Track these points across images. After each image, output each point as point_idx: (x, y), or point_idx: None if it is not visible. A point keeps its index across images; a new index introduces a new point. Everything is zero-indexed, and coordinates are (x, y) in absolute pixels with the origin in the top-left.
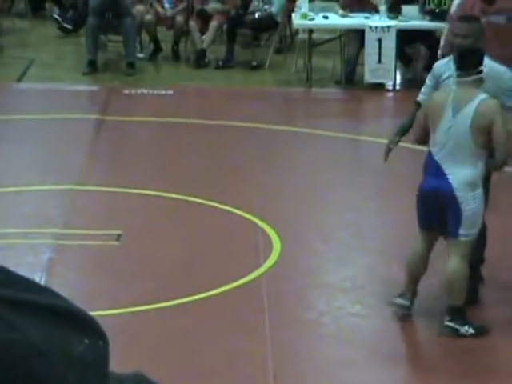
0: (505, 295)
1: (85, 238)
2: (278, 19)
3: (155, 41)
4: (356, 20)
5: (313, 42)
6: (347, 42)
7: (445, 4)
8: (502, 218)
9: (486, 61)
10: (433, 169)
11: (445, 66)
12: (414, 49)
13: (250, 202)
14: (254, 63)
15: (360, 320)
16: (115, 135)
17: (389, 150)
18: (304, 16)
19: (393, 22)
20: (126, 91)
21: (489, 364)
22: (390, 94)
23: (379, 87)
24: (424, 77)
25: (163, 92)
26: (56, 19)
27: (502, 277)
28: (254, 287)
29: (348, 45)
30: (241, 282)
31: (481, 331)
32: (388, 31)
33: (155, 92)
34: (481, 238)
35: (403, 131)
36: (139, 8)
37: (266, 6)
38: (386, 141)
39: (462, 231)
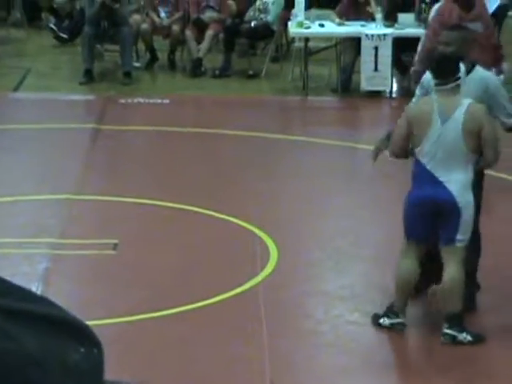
0: (500, 302)
1: (81, 247)
2: (274, 28)
3: (151, 50)
4: (352, 28)
5: (309, 51)
6: (343, 50)
7: None
8: (497, 225)
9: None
10: (426, 178)
11: None
12: (411, 57)
13: (246, 210)
14: (251, 72)
15: (358, 328)
16: (111, 144)
17: (378, 153)
18: (300, 24)
19: (389, 30)
20: (123, 100)
21: (485, 372)
22: (387, 102)
23: (375, 95)
24: None
25: (159, 101)
26: (52, 29)
27: (498, 284)
28: (251, 295)
29: (344, 53)
30: (238, 290)
31: (478, 339)
32: (384, 39)
33: (151, 101)
34: (476, 246)
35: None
36: (135, 17)
37: (262, 15)
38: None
39: (459, 237)
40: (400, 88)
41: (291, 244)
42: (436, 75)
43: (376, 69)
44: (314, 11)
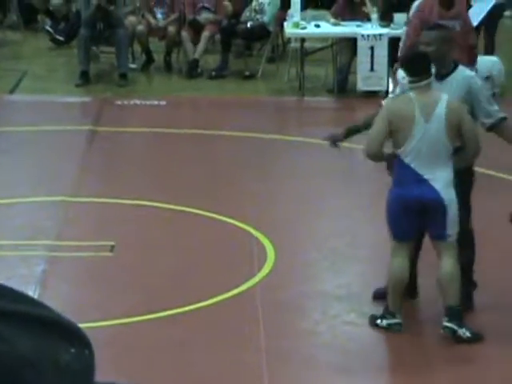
0: (498, 302)
1: (78, 249)
2: (270, 28)
3: (147, 51)
4: (348, 28)
5: (305, 51)
6: (339, 50)
7: None
8: (491, 224)
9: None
10: (410, 178)
11: None
12: None
13: (243, 211)
14: (247, 73)
15: (355, 328)
16: (108, 146)
17: (336, 142)
18: (296, 25)
19: (385, 30)
20: (119, 102)
21: (482, 372)
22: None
23: (372, 95)
24: None
25: (156, 103)
26: (48, 31)
27: (495, 283)
28: (248, 297)
29: (340, 53)
30: (235, 291)
31: (477, 337)
32: (380, 39)
33: (148, 103)
34: (469, 245)
35: (355, 132)
36: (131, 19)
37: (258, 16)
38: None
39: (449, 232)
40: None
41: (288, 244)
42: (410, 73)
43: (372, 69)
44: (309, 12)
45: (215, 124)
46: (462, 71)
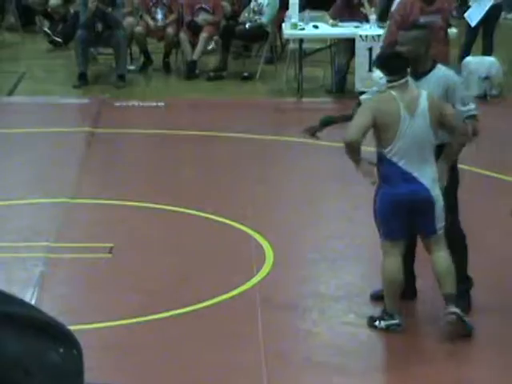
0: (495, 302)
1: (76, 251)
2: (269, 29)
3: (145, 53)
4: (346, 29)
5: (303, 52)
6: (337, 51)
7: None
8: (491, 224)
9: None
10: (399, 177)
11: None
12: None
13: (242, 212)
14: (245, 74)
15: (354, 329)
16: (106, 148)
17: (313, 134)
18: (294, 26)
19: (383, 31)
20: (117, 103)
21: (482, 372)
22: None
23: None
24: None
25: (154, 104)
26: (46, 33)
27: (492, 284)
28: (247, 298)
29: (338, 54)
30: (234, 292)
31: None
32: (378, 40)
33: (146, 104)
34: (461, 246)
35: (330, 123)
36: (129, 20)
37: (257, 17)
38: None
39: (438, 225)
40: None
41: (287, 246)
42: (388, 72)
43: (370, 70)
44: (308, 13)
45: (214, 125)
46: (441, 70)
